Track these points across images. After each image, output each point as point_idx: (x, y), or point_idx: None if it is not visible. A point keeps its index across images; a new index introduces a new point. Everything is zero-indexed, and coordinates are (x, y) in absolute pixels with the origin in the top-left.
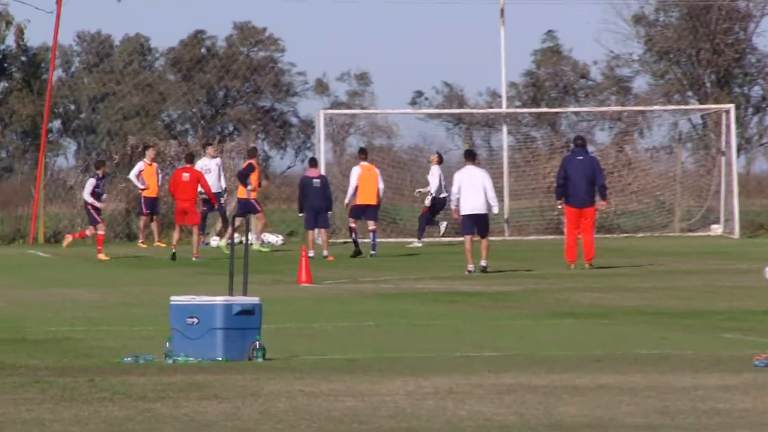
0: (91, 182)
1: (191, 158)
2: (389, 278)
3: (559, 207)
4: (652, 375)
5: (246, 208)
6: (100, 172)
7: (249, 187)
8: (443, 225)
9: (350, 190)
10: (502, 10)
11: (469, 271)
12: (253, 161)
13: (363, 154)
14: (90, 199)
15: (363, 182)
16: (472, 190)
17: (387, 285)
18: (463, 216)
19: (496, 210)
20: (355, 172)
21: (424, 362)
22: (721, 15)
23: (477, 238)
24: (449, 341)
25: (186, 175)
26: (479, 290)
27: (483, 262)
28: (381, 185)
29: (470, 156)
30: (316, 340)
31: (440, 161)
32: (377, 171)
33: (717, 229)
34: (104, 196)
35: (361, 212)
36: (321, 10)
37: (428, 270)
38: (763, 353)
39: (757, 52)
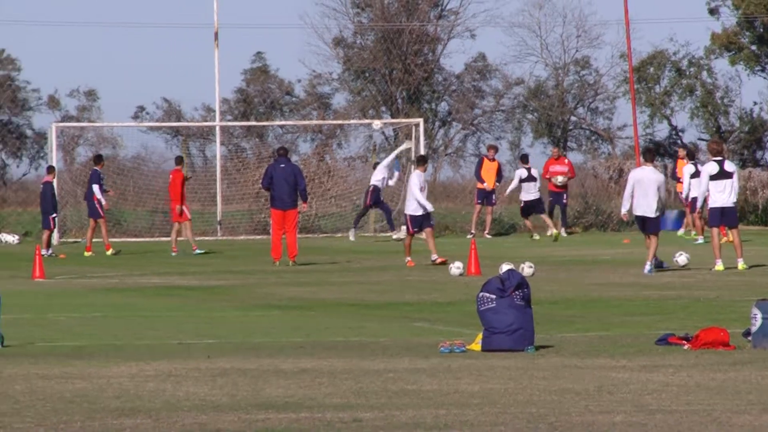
0: None
1: None
2: (115, 274)
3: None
4: (349, 360)
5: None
6: None
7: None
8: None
9: None
10: (216, 34)
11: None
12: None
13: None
14: None
15: None
16: None
17: (113, 280)
18: None
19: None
20: None
21: (147, 349)
22: (412, 38)
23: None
24: (169, 330)
25: None
26: (195, 285)
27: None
28: None
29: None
30: (49, 329)
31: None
32: None
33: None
34: None
35: None
36: (54, 31)
37: (150, 267)
38: (447, 340)
39: (444, 72)
